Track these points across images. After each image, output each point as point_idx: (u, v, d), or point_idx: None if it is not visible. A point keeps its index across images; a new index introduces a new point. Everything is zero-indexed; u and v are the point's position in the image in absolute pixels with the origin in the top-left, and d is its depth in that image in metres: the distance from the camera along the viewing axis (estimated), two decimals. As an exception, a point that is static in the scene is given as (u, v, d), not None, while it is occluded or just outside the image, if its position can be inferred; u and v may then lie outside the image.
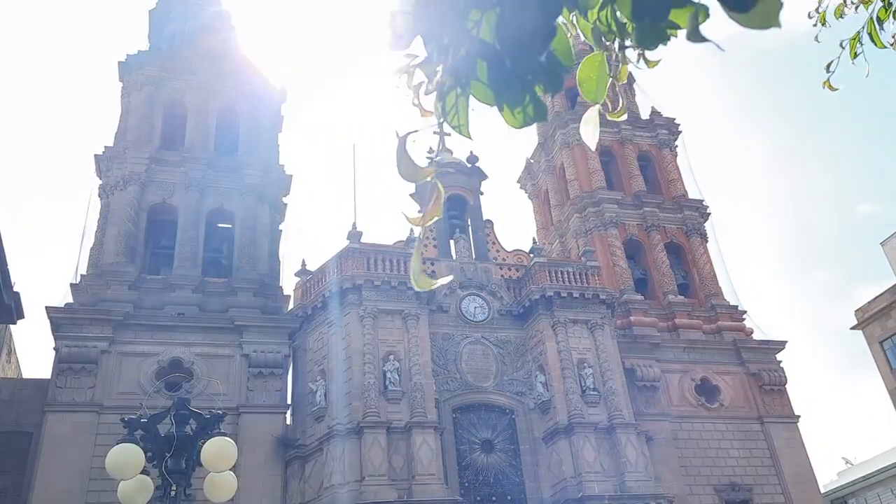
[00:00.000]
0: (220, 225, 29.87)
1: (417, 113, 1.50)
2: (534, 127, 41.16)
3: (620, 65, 1.64)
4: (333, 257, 26.86)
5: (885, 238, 45.00)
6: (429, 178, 1.48)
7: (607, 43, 1.50)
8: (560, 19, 1.41)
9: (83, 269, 26.53)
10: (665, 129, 37.63)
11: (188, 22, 34.22)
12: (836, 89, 2.74)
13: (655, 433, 27.24)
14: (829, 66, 2.64)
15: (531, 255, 29.22)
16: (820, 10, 2.65)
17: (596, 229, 33.21)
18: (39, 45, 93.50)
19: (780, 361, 31.66)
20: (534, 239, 31.46)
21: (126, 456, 8.61)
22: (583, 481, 23.63)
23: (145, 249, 28.07)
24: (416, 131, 1.46)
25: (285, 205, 31.59)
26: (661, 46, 1.43)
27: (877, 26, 2.45)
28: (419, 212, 28.40)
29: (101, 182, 29.08)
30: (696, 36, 1.29)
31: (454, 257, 28.92)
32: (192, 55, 32.59)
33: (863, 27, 2.44)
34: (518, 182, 41.53)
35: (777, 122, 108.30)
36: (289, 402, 25.95)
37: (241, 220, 29.00)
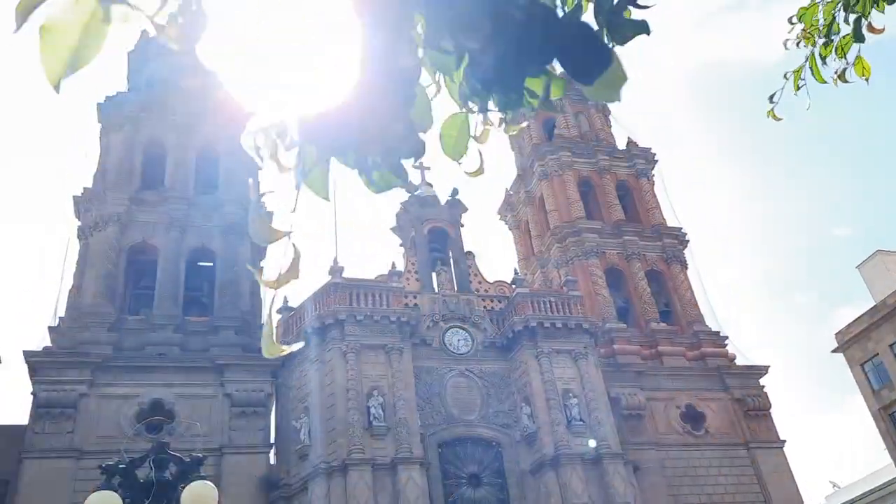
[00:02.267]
0: (200, 263, 29.71)
1: (276, 169, 1.43)
2: (512, 159, 41.59)
3: (484, 127, 1.66)
4: (315, 293, 26.78)
5: (861, 261, 45.66)
6: (284, 239, 1.41)
7: (471, 105, 1.52)
8: (425, 78, 1.44)
9: (61, 312, 26.21)
10: (642, 159, 38.15)
11: (166, 62, 34.34)
12: (780, 119, 2.84)
13: (642, 462, 27.15)
14: (772, 97, 2.75)
15: (513, 286, 29.30)
16: (790, 42, 2.76)
17: (577, 259, 33.41)
18: (13, 89, 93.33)
19: (764, 386, 31.80)
20: (515, 270, 31.58)
21: None
22: (571, 513, 23.43)
23: (125, 290, 27.81)
24: (270, 192, 1.45)
25: (266, 242, 31.48)
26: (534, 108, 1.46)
27: (818, 62, 2.56)
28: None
29: (79, 223, 28.90)
30: (547, 105, 1.36)
31: (436, 290, 28.93)
32: (171, 95, 32.68)
33: (805, 62, 2.56)
34: (498, 213, 41.81)
35: (751, 150, 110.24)
36: (272, 440, 25.61)
37: (222, 258, 28.88)
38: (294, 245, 1.40)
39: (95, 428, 23.45)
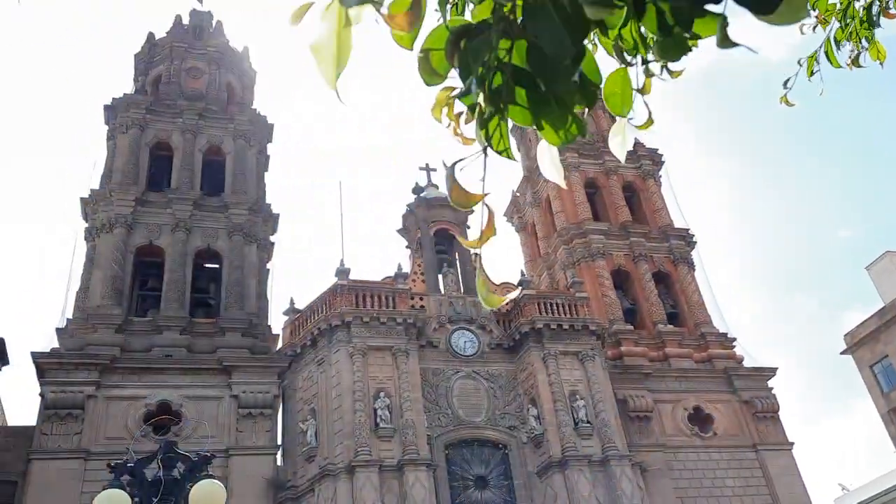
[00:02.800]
0: (207, 265, 29.77)
1: (459, 141, 1.57)
2: (519, 160, 41.56)
3: (645, 77, 1.68)
4: (322, 295, 26.79)
5: (869, 262, 45.43)
6: (479, 203, 1.56)
7: (629, 58, 1.53)
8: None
9: (69, 313, 26.28)
10: (649, 160, 38.05)
11: (173, 64, 34.52)
12: (793, 104, 2.81)
13: (650, 464, 27.04)
14: (786, 82, 2.72)
15: (520, 288, 29.23)
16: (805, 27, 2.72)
17: (583, 260, 33.34)
18: (20, 91, 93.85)
19: (772, 388, 31.65)
20: (522, 271, 31.52)
21: (112, 502, 8.47)
22: (578, 515, 23.34)
23: (132, 291, 27.89)
24: (462, 159, 1.53)
25: (273, 243, 31.57)
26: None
27: (834, 47, 2.53)
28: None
29: (86, 225, 29.01)
30: (726, 42, 1.33)
31: (443, 291, 28.91)
32: (178, 97, 32.86)
33: (820, 46, 2.52)
34: (505, 215, 41.75)
35: (755, 151, 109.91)
36: (279, 442, 25.62)
37: (229, 259, 28.93)
38: (488, 206, 1.55)
39: (103, 429, 23.51)
